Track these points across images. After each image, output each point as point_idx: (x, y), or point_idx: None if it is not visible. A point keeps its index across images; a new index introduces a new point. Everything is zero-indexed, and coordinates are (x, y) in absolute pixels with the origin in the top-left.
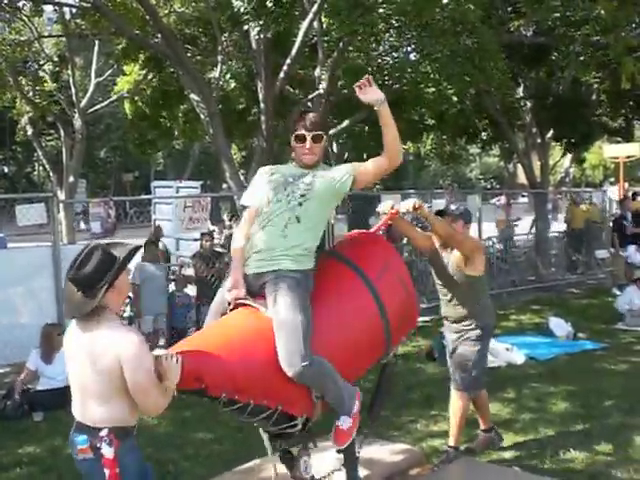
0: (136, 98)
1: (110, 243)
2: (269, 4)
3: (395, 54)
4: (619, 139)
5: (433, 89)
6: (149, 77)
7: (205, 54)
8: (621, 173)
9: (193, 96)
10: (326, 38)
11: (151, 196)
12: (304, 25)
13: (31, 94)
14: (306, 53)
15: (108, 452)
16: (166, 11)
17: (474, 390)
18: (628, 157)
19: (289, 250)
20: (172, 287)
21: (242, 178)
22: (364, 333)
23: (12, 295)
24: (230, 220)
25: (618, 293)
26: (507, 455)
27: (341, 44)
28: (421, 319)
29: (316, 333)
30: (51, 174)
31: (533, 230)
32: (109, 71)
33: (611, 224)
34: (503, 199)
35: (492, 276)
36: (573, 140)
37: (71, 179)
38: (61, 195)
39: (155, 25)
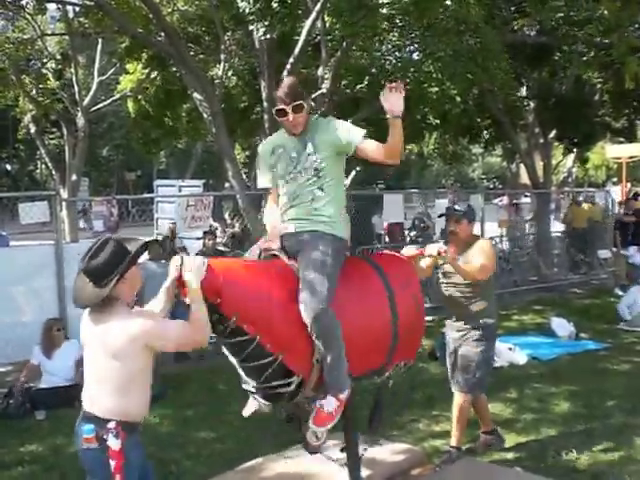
0: (139, 97)
1: (123, 237)
2: (274, 4)
3: (398, 53)
4: (622, 139)
5: (436, 89)
6: (152, 76)
7: (208, 53)
8: (623, 173)
9: (196, 95)
10: (329, 37)
11: (154, 195)
12: (307, 24)
13: (34, 92)
14: (309, 52)
15: (115, 444)
16: (169, 9)
17: (477, 392)
18: (631, 157)
19: (323, 219)
20: None
21: (244, 177)
22: (373, 332)
23: (14, 293)
24: (232, 219)
25: (621, 293)
26: (509, 455)
27: (344, 43)
28: None
29: (334, 306)
30: (54, 172)
31: (532, 230)
32: (112, 70)
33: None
34: (505, 199)
35: (495, 276)
36: (576, 140)
37: (74, 177)
38: (64, 193)
39: (158, 24)
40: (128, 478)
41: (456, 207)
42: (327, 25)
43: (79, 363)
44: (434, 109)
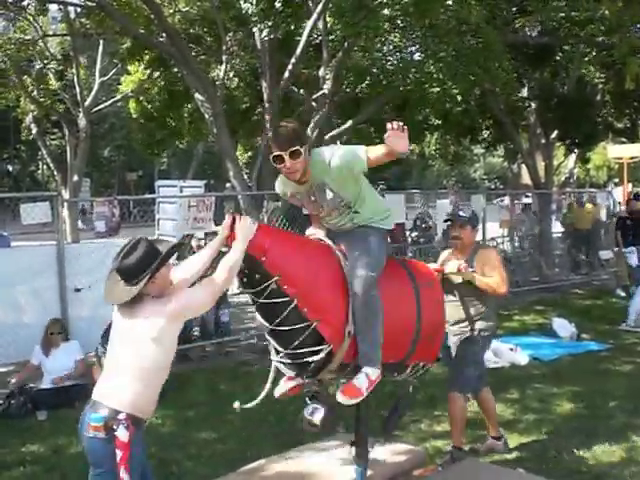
0: (141, 98)
1: (154, 239)
2: (278, 4)
3: (399, 54)
4: (624, 139)
5: (437, 89)
6: (154, 77)
7: (210, 53)
8: (625, 174)
9: (198, 95)
10: (330, 38)
11: (155, 195)
12: (308, 25)
13: (35, 93)
14: (310, 53)
15: (124, 435)
16: (171, 10)
17: (468, 391)
18: (632, 158)
19: (365, 223)
20: None
21: (246, 178)
22: (400, 321)
23: (16, 294)
24: None
25: (622, 294)
26: (510, 456)
27: (345, 44)
28: None
29: None
30: (55, 173)
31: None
32: (113, 70)
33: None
34: (507, 200)
35: None
36: (577, 140)
37: (75, 178)
38: (65, 194)
39: (160, 24)
40: (132, 471)
41: (460, 213)
42: (328, 26)
43: (79, 363)
44: (436, 109)
